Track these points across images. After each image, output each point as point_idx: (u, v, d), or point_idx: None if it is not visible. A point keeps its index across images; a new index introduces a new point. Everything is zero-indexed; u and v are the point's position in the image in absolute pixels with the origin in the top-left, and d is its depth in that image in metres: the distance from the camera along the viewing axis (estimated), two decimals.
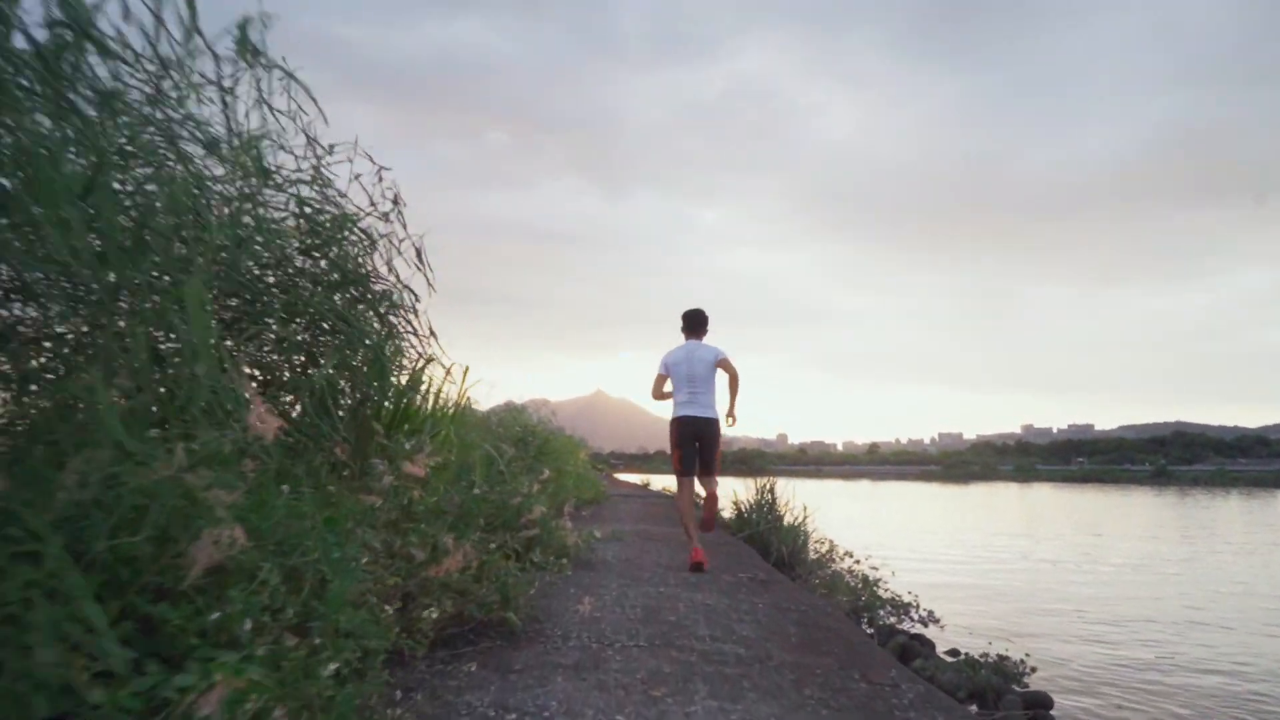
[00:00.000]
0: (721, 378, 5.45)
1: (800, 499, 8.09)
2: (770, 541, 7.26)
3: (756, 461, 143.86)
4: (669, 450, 5.54)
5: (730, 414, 5.46)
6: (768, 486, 7.94)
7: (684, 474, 5.46)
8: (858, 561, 10.07)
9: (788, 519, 7.63)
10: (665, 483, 22.37)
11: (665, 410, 5.59)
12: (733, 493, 8.79)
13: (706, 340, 5.61)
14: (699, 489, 5.64)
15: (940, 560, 14.89)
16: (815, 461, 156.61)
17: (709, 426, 5.38)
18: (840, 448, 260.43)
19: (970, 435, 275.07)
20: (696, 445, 5.39)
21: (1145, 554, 17.33)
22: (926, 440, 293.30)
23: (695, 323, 5.61)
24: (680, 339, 5.65)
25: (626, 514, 9.87)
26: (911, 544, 18.02)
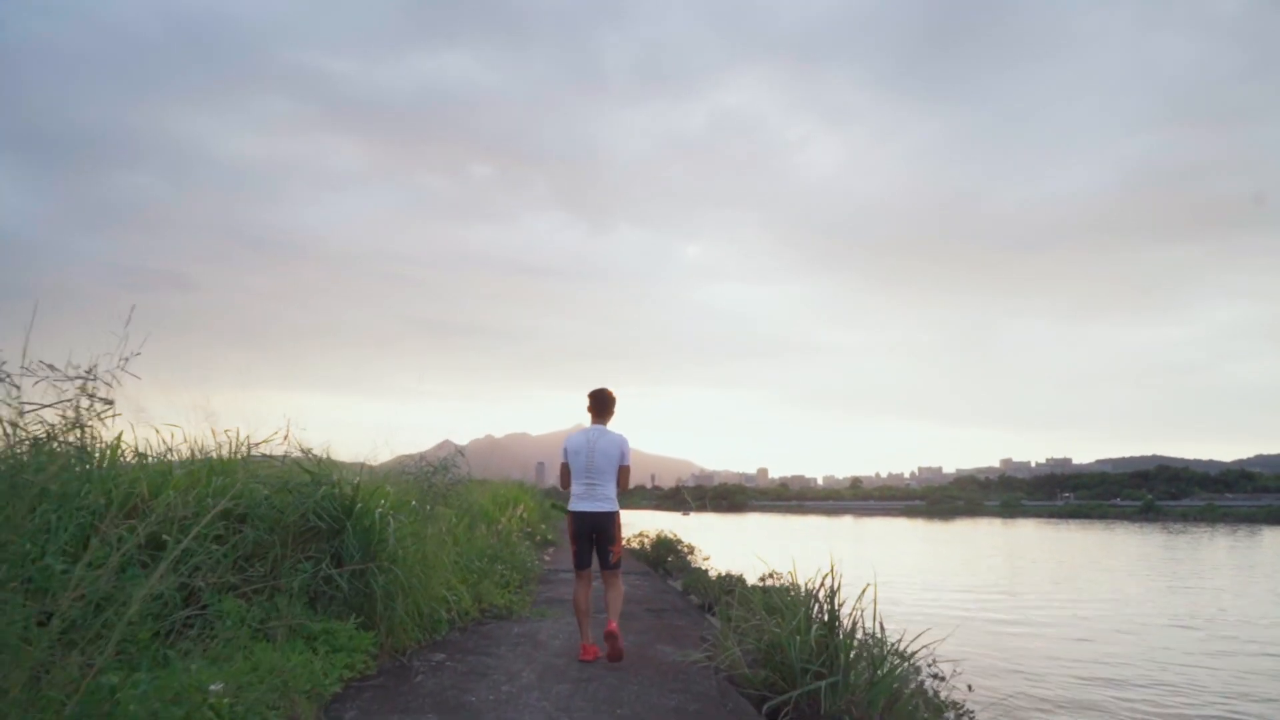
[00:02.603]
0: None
1: (877, 602, 4.44)
2: None
3: (737, 497, 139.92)
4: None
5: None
6: (826, 595, 4.34)
7: (580, 568, 5.23)
8: (923, 670, 6.78)
9: (860, 664, 4.05)
10: (654, 522, 19.08)
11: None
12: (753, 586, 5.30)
13: (612, 425, 5.35)
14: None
15: (1005, 636, 11.71)
16: (797, 497, 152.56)
17: (606, 521, 5.14)
18: (820, 482, 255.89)
19: (950, 469, 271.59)
20: (594, 539, 5.16)
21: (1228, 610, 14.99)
22: (906, 474, 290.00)
23: (600, 405, 5.32)
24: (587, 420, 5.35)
25: (537, 671, 4.72)
26: (945, 605, 14.94)
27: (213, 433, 4.68)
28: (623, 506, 5.31)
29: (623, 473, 5.17)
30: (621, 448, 5.17)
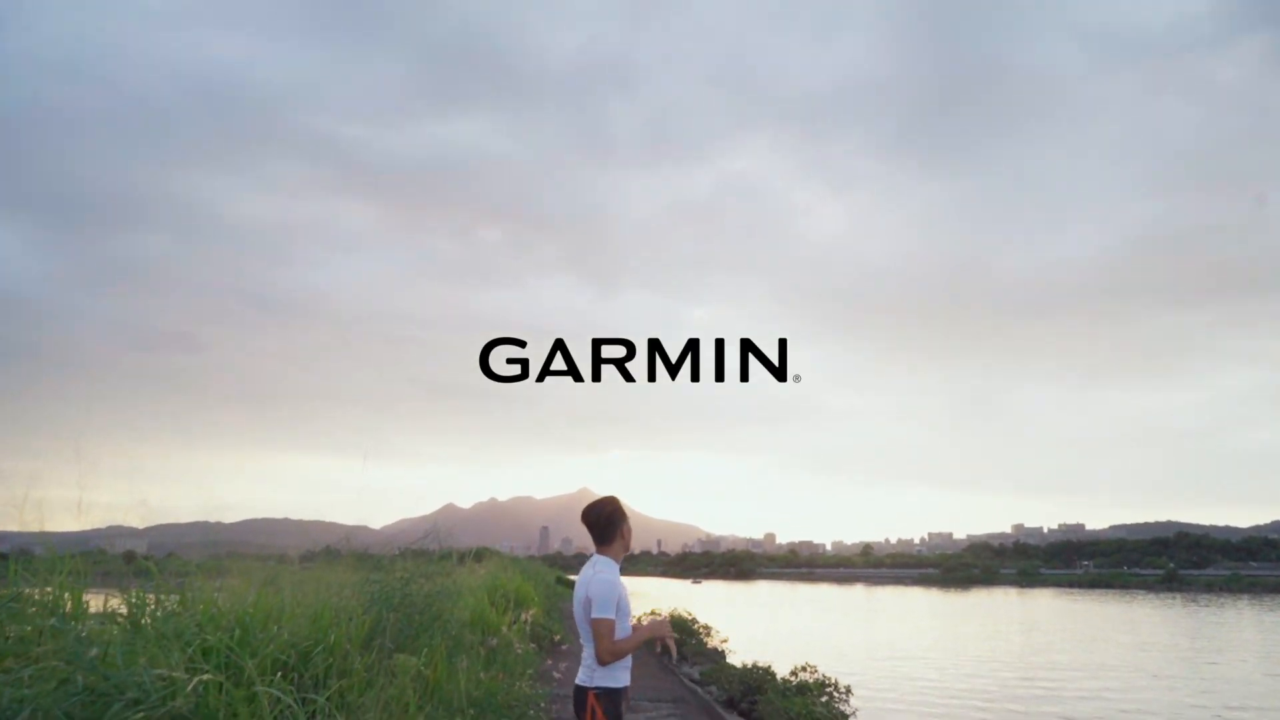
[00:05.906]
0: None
1: None
2: None
3: (745, 564, 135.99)
4: None
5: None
6: None
7: None
8: None
9: None
10: (664, 591, 17.03)
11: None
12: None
13: (610, 552, 3.44)
14: None
15: None
16: (807, 564, 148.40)
17: (576, 702, 3.33)
18: (829, 548, 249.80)
19: (960, 535, 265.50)
20: None
21: None
22: (916, 540, 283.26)
23: (592, 526, 3.48)
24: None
25: None
26: None
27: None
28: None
29: (596, 630, 3.23)
30: (588, 590, 3.30)
